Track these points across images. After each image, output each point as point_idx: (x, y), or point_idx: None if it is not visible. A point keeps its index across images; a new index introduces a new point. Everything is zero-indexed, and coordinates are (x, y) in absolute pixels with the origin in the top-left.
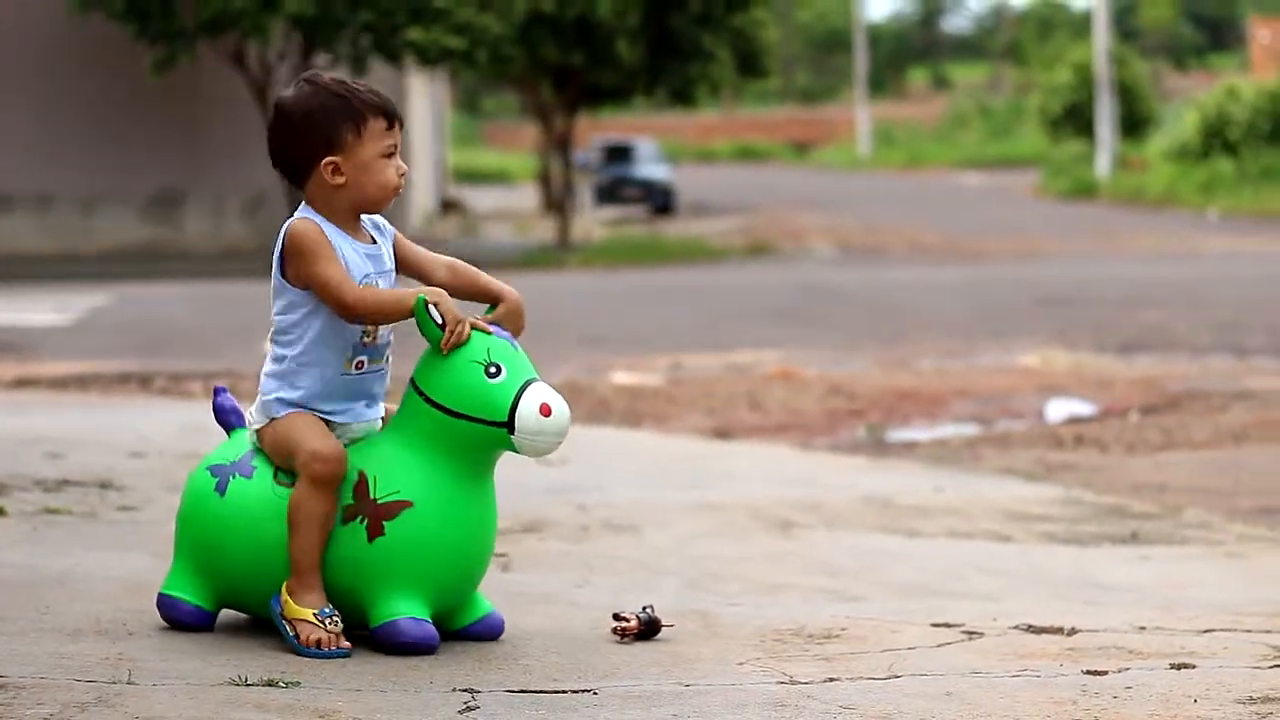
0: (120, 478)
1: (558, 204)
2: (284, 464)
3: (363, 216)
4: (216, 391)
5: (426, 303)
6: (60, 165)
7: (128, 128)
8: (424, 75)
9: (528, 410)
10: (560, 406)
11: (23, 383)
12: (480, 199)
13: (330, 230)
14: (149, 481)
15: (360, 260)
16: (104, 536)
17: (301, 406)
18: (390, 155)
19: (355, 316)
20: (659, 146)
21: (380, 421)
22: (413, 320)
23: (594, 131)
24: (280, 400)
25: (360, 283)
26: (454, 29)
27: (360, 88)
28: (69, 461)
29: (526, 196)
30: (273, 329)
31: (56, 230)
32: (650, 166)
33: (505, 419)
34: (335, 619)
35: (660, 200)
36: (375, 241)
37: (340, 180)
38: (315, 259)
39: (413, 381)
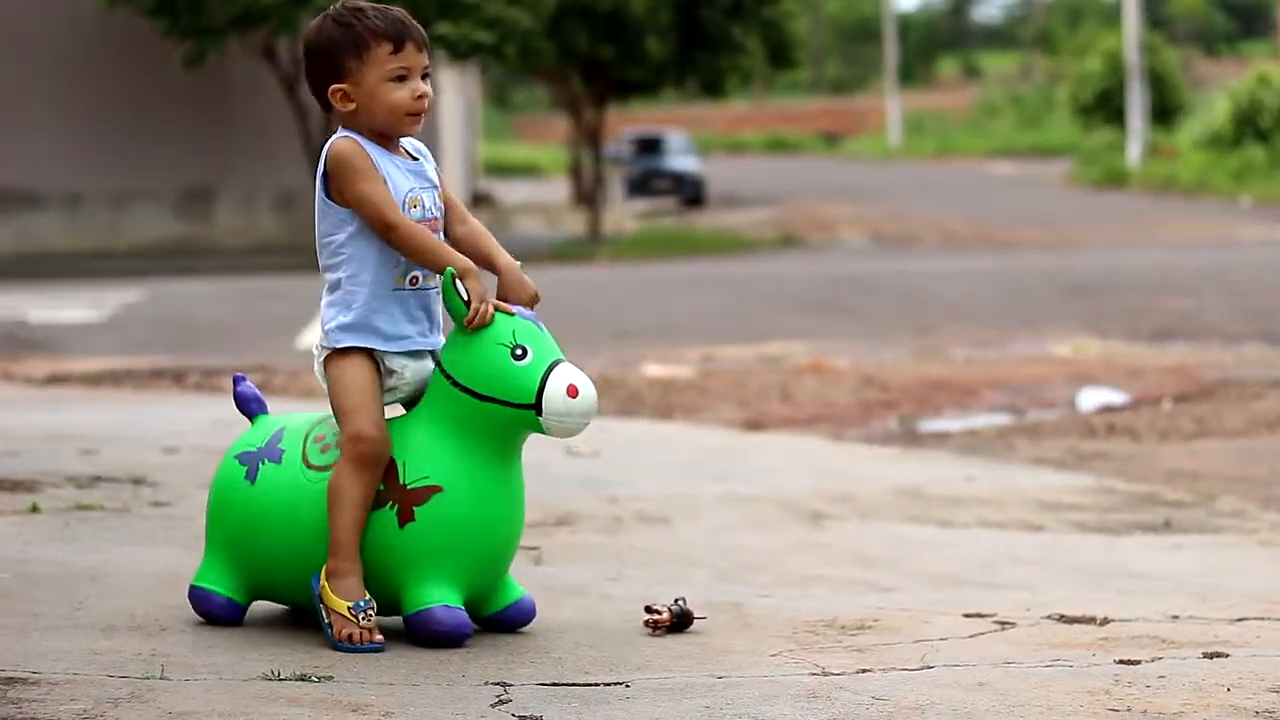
0: (153, 473)
1: (588, 197)
2: (336, 414)
3: (401, 141)
4: (236, 380)
5: (455, 276)
6: (91, 162)
7: (158, 124)
8: (454, 69)
9: (555, 391)
10: (587, 387)
11: (56, 379)
12: (511, 192)
13: (371, 148)
14: (181, 477)
15: (404, 175)
16: (137, 532)
17: (358, 328)
18: (401, 78)
19: (393, 238)
20: (689, 138)
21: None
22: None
23: (624, 124)
24: (340, 327)
25: (406, 196)
26: (483, 23)
27: (370, 13)
28: (102, 457)
29: (557, 189)
30: (320, 256)
31: (88, 227)
32: (681, 158)
33: (532, 401)
34: (370, 613)
35: (691, 192)
36: (416, 159)
37: (351, 106)
38: (357, 176)
39: (439, 365)
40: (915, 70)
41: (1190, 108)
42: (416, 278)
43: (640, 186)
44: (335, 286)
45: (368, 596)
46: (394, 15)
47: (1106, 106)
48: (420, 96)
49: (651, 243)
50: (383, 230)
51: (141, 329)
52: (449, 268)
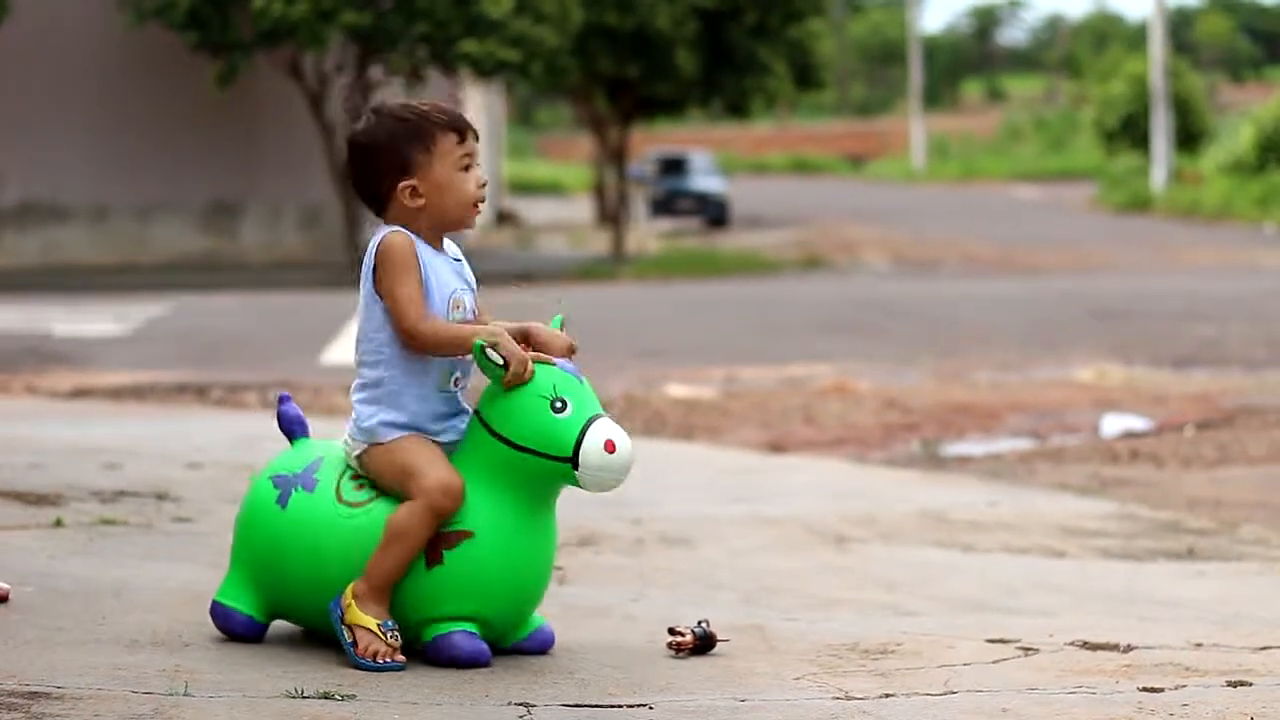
0: (176, 489)
1: (612, 216)
2: (397, 488)
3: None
4: (281, 399)
5: (484, 347)
6: (117, 176)
7: (184, 139)
8: (479, 87)
9: (592, 446)
10: (624, 443)
11: (80, 393)
12: (535, 210)
13: (422, 247)
14: (205, 493)
15: (450, 275)
16: (160, 548)
17: (406, 427)
18: (466, 169)
19: (415, 344)
20: (713, 159)
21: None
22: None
23: (648, 144)
24: (386, 424)
25: (451, 295)
26: (509, 41)
27: (427, 107)
28: (125, 472)
29: (581, 208)
30: (362, 348)
31: (113, 241)
32: (705, 179)
33: (570, 455)
34: (396, 633)
35: (715, 212)
36: (459, 261)
37: (420, 202)
38: (398, 274)
39: (478, 413)
40: (940, 93)
41: (1214, 133)
42: (459, 379)
43: (664, 206)
44: (374, 383)
45: (392, 619)
46: (447, 106)
47: (1131, 131)
48: (482, 185)
49: (675, 263)
50: (405, 333)
51: (165, 343)
52: (478, 340)
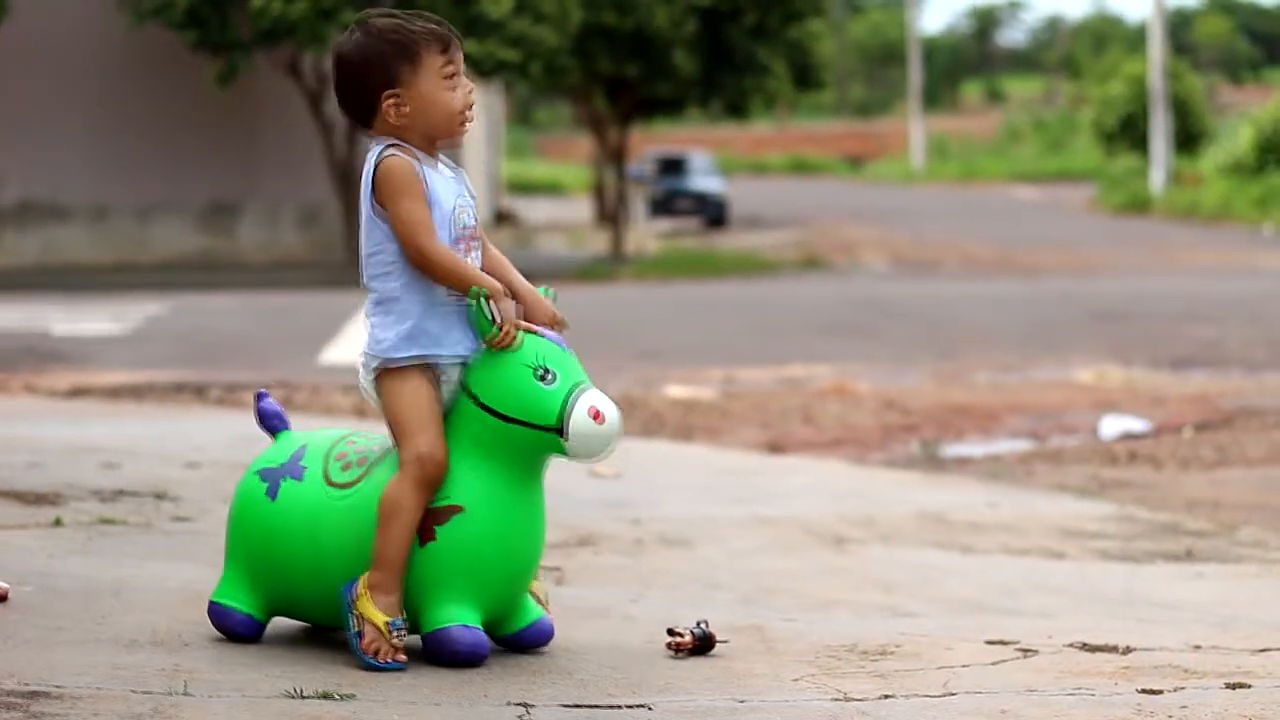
0: (175, 488)
1: (611, 216)
2: (391, 433)
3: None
4: (259, 396)
5: (485, 296)
6: (116, 176)
7: (183, 139)
8: (478, 87)
9: (580, 415)
10: (611, 411)
11: (79, 392)
12: (534, 210)
13: (419, 163)
14: (204, 492)
15: (450, 187)
16: (159, 547)
17: (418, 337)
18: (451, 78)
19: (422, 262)
20: (713, 159)
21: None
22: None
23: (648, 144)
24: (399, 337)
25: (452, 209)
26: (508, 41)
27: (411, 20)
28: (124, 472)
29: (580, 208)
30: (367, 270)
31: (112, 240)
32: (704, 179)
33: (557, 424)
34: (403, 633)
35: (714, 213)
36: (454, 174)
37: (405, 112)
38: (404, 193)
39: (464, 385)
40: (939, 94)
41: (1214, 134)
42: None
43: (663, 206)
44: (386, 298)
45: (404, 617)
46: (432, 20)
47: (1130, 132)
48: (469, 92)
49: (674, 263)
50: (415, 253)
51: (164, 343)
52: (477, 287)
